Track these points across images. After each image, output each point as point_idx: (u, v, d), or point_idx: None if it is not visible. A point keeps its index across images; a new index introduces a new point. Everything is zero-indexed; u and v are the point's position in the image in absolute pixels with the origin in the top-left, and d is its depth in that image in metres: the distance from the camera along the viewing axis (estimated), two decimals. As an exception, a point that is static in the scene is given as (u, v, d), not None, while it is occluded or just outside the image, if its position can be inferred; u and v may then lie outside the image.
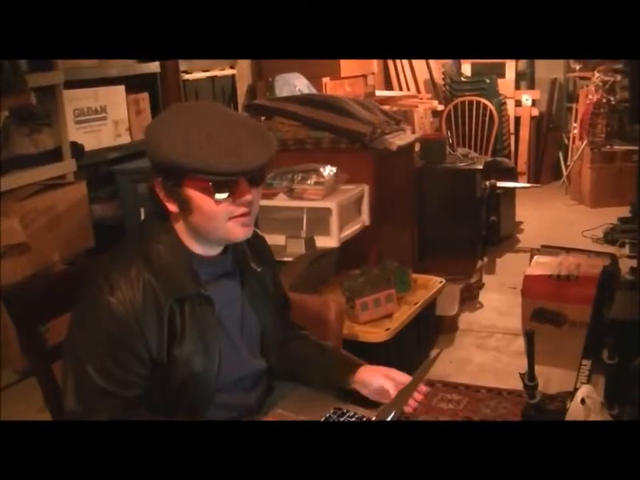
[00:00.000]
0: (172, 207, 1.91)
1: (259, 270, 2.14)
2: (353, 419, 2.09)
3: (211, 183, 1.82)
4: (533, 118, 9.03)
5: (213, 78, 5.91)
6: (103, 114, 4.76)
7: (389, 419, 1.93)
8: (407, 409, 2.09)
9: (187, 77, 5.49)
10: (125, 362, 1.85)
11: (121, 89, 4.90)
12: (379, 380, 2.12)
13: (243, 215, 1.89)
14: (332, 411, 2.12)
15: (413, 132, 6.31)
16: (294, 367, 2.30)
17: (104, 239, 4.29)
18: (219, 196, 1.84)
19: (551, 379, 3.93)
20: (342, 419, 2.09)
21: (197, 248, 1.97)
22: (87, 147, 4.56)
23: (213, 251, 2.01)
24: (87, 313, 1.88)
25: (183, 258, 1.95)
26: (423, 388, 2.14)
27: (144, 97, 5.14)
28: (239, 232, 1.92)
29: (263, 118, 4.91)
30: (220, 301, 2.00)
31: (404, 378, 2.14)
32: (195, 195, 1.85)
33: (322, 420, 2.08)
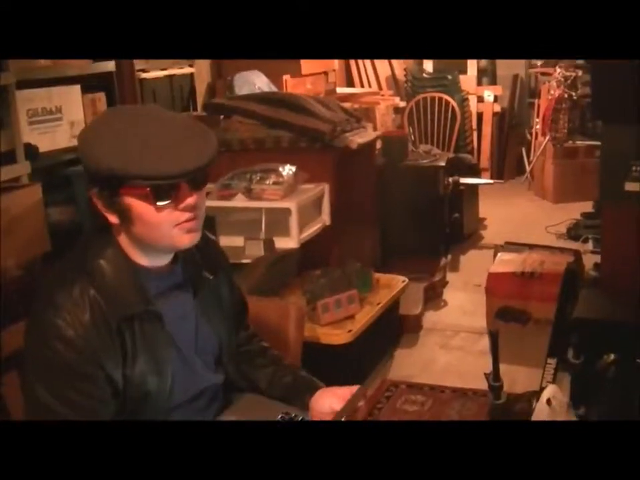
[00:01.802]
0: (112, 219, 1.80)
1: (211, 278, 2.06)
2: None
3: (149, 189, 1.73)
4: (495, 114, 9.03)
5: (171, 77, 5.80)
6: (58, 114, 4.64)
7: None
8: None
9: (144, 75, 5.38)
10: (81, 386, 1.76)
11: (77, 88, 4.79)
12: (330, 403, 2.04)
13: (187, 221, 1.80)
14: (280, 416, 2.07)
15: (375, 129, 6.28)
16: (254, 384, 2.22)
17: (61, 243, 4.19)
18: (159, 202, 1.75)
19: (517, 378, 3.90)
20: None
21: (143, 260, 1.88)
22: (42, 149, 4.45)
23: (161, 262, 1.92)
24: (35, 337, 1.79)
25: (128, 273, 1.85)
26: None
27: (100, 97, 5.03)
28: (184, 239, 1.82)
29: (221, 117, 4.84)
30: (171, 316, 1.92)
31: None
32: (135, 204, 1.76)
33: None
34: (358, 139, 4.72)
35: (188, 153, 1.74)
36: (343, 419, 1.90)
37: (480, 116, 9.01)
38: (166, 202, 1.75)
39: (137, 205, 1.76)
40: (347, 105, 5.92)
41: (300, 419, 2.07)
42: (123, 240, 1.86)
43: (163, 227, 1.78)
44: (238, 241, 3.98)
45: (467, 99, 8.73)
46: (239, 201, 4.11)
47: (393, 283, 4.53)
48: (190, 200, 1.77)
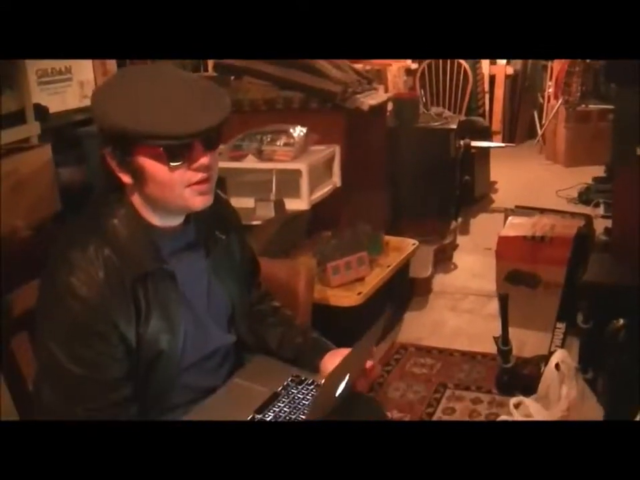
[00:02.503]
0: (125, 178, 1.79)
1: (224, 238, 2.07)
2: (312, 387, 2.05)
3: (162, 149, 1.72)
4: (507, 77, 8.98)
5: (182, 36, 5.77)
6: (67, 74, 4.64)
7: (338, 392, 1.86)
8: (360, 388, 2.04)
9: (154, 35, 5.35)
10: (93, 343, 1.76)
11: (87, 48, 4.78)
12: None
13: (200, 182, 1.79)
14: (290, 379, 2.08)
15: (386, 91, 6.25)
16: (265, 343, 2.23)
17: (71, 203, 4.19)
18: (172, 162, 1.73)
19: (526, 342, 3.92)
20: (300, 387, 2.05)
21: (156, 220, 1.87)
22: (52, 109, 4.45)
23: (174, 222, 1.92)
24: (49, 295, 1.79)
25: (142, 232, 1.85)
26: (370, 364, 2.07)
27: (110, 57, 5.02)
28: (197, 201, 1.81)
29: (232, 78, 4.82)
30: (184, 275, 1.92)
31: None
32: (148, 163, 1.74)
33: (280, 389, 2.04)
34: (369, 100, 4.69)
35: (201, 112, 1.72)
36: (347, 378, 1.89)
37: (492, 79, 8.96)
38: (179, 162, 1.74)
39: (150, 165, 1.74)
40: (358, 66, 5.88)
41: (310, 382, 2.07)
42: (136, 200, 1.85)
43: (176, 188, 1.77)
44: (248, 202, 3.96)
45: (479, 62, 8.67)
46: (250, 162, 4.09)
47: (403, 246, 4.52)
48: (203, 160, 1.76)
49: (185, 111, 1.71)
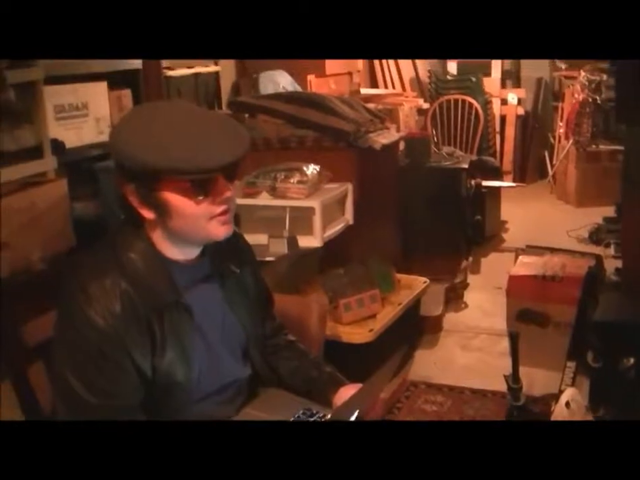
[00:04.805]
0: (147, 214, 1.84)
1: (238, 271, 2.10)
2: (323, 420, 2.06)
3: (189, 183, 1.76)
4: (518, 117, 9.02)
5: (196, 75, 5.80)
6: (84, 110, 4.68)
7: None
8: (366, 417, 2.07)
9: (169, 73, 5.39)
10: (109, 373, 1.80)
11: (103, 85, 4.82)
12: None
13: (222, 214, 1.84)
14: (302, 411, 2.10)
15: (398, 130, 6.28)
16: (279, 376, 2.26)
17: (86, 237, 4.22)
18: (198, 196, 1.79)
19: (536, 380, 3.92)
20: (311, 419, 2.08)
21: (174, 253, 1.92)
22: (68, 144, 4.48)
23: (190, 255, 1.96)
24: (66, 326, 1.83)
25: (159, 266, 1.89)
26: (381, 398, 2.11)
27: (126, 94, 5.05)
28: (220, 231, 1.86)
29: (246, 116, 4.87)
30: (199, 308, 1.95)
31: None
32: (173, 198, 1.79)
33: (290, 420, 2.06)
34: (382, 139, 4.72)
35: (224, 145, 1.77)
36: (356, 414, 1.90)
37: (503, 118, 9.00)
38: (204, 195, 1.79)
39: (176, 200, 1.79)
40: (370, 105, 5.93)
41: (321, 415, 2.09)
42: (155, 234, 1.89)
43: (200, 220, 1.82)
44: (262, 238, 3.98)
45: (490, 101, 8.72)
46: (264, 199, 4.12)
47: (414, 284, 4.54)
48: (227, 193, 1.81)
49: (209, 145, 1.75)
